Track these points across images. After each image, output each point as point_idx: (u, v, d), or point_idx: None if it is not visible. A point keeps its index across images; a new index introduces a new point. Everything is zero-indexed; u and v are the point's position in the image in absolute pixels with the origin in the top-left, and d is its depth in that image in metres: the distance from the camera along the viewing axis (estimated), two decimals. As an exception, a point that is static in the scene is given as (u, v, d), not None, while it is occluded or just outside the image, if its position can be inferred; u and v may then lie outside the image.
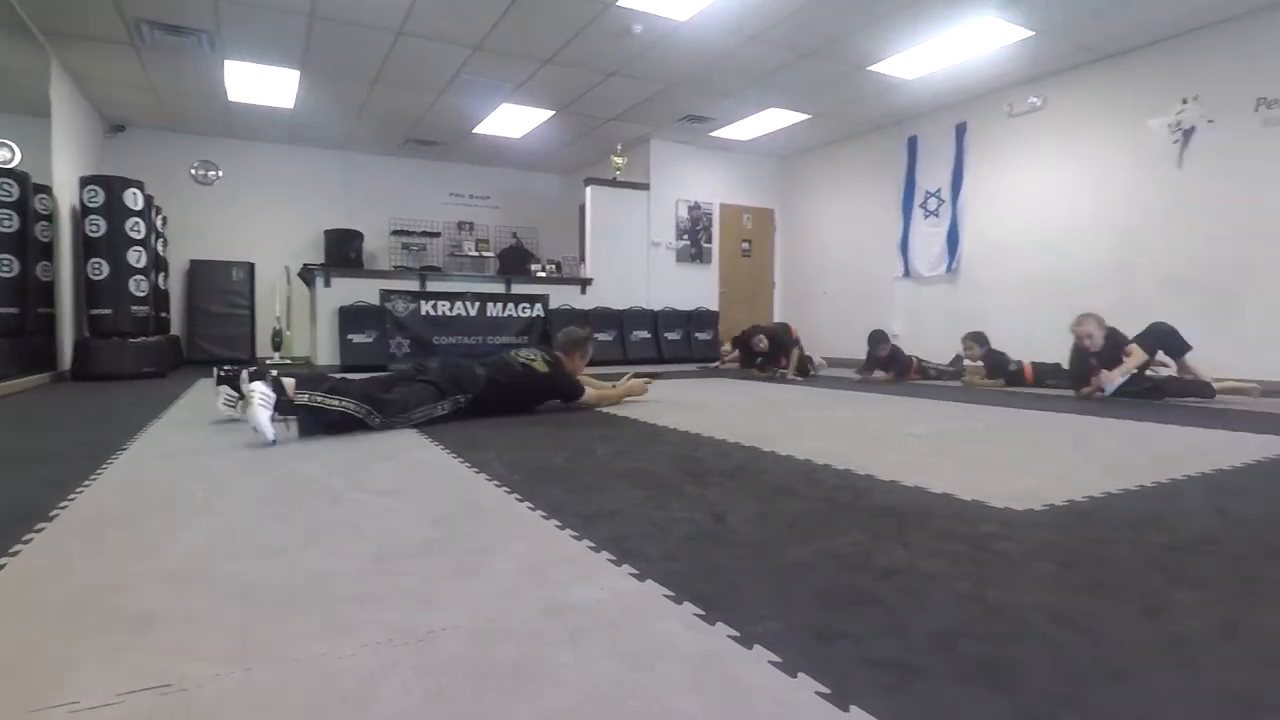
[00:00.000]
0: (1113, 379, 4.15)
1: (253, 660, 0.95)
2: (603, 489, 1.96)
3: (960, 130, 7.15)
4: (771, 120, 7.79)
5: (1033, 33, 5.47)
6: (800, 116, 7.64)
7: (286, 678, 0.91)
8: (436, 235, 9.53)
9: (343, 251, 8.56)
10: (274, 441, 2.64)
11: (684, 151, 8.86)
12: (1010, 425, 3.29)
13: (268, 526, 1.59)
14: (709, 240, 9.14)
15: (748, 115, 7.65)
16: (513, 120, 7.80)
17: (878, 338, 6.05)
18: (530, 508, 1.75)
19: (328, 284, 7.19)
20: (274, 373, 2.85)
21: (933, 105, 7.23)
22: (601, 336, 8.18)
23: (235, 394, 3.02)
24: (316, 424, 2.86)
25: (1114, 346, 4.28)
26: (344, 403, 2.91)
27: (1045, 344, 5.84)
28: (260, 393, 2.65)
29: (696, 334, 8.79)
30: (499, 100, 7.17)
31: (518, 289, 7.97)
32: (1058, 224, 6.38)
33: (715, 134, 8.35)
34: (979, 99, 6.94)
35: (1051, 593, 1.21)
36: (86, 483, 2.01)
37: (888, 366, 5.92)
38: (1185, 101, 5.50)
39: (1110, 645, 1.01)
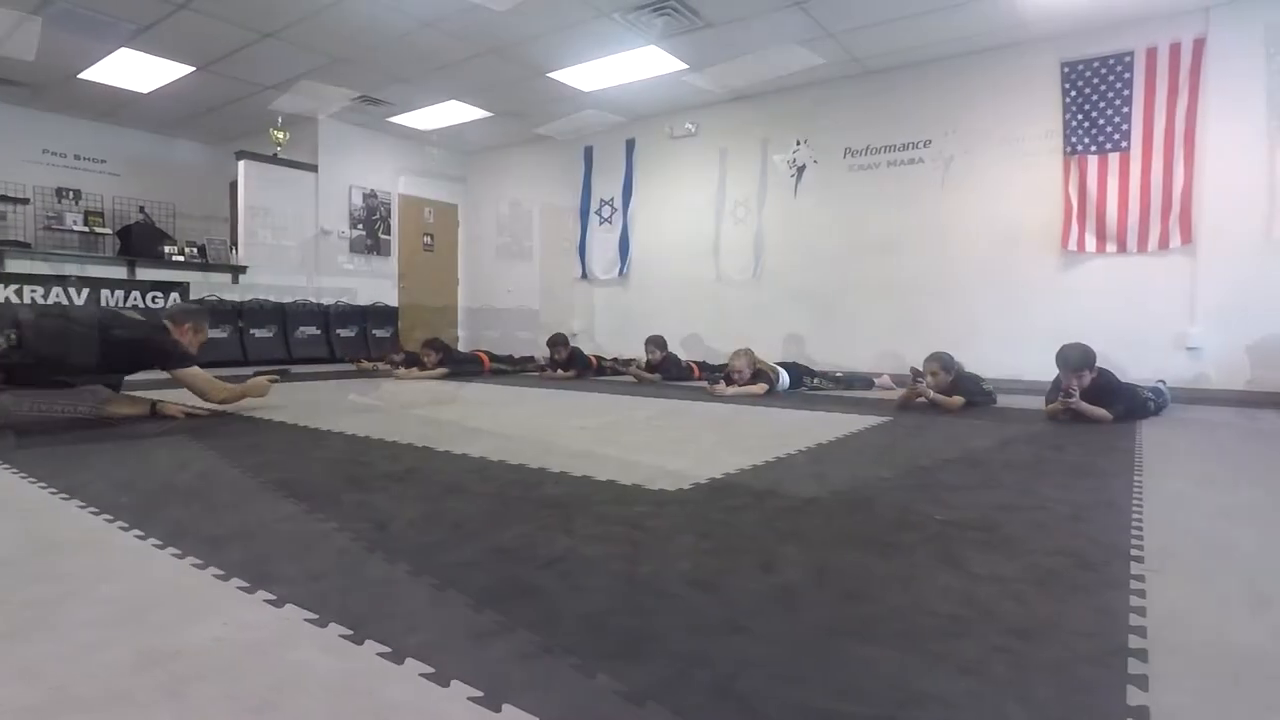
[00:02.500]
0: (723, 391, 4.81)
1: None
2: (241, 506, 1.69)
3: (630, 145, 7.77)
4: (453, 113, 7.62)
5: (687, 66, 6.16)
6: (482, 113, 7.59)
7: None
8: (24, 202, 7.47)
9: None
10: None
11: (358, 134, 8.22)
12: (667, 415, 3.65)
13: None
14: (387, 231, 8.62)
15: (428, 104, 7.37)
16: (138, 70, 6.45)
17: (556, 340, 6.26)
18: (139, 536, 1.43)
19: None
20: None
21: (607, 119, 7.74)
22: (259, 333, 7.23)
23: None
24: None
25: (755, 376, 4.94)
26: None
27: (699, 339, 6.66)
28: None
29: (375, 331, 8.23)
30: (116, 42, 5.87)
31: (146, 274, 6.65)
32: (707, 237, 7.29)
33: (394, 120, 7.89)
34: (646, 119, 7.61)
35: (691, 561, 1.34)
36: None
37: (568, 366, 6.18)
38: (799, 143, 6.69)
39: (735, 601, 1.15)
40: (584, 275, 8.19)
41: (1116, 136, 5.13)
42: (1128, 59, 5.08)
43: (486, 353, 6.46)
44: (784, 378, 5.04)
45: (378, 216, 8.50)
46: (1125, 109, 5.10)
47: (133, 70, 6.47)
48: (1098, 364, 3.53)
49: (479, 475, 2.07)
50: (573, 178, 8.27)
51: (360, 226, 8.32)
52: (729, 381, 4.87)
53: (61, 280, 6.08)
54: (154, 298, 6.58)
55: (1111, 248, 5.18)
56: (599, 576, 1.25)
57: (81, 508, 1.65)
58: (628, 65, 6.16)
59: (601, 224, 8.04)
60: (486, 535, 1.48)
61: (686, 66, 6.16)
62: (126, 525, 1.51)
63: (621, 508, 1.71)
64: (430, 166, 9.01)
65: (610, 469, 2.16)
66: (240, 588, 1.17)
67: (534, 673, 0.90)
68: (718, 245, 7.22)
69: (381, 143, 8.47)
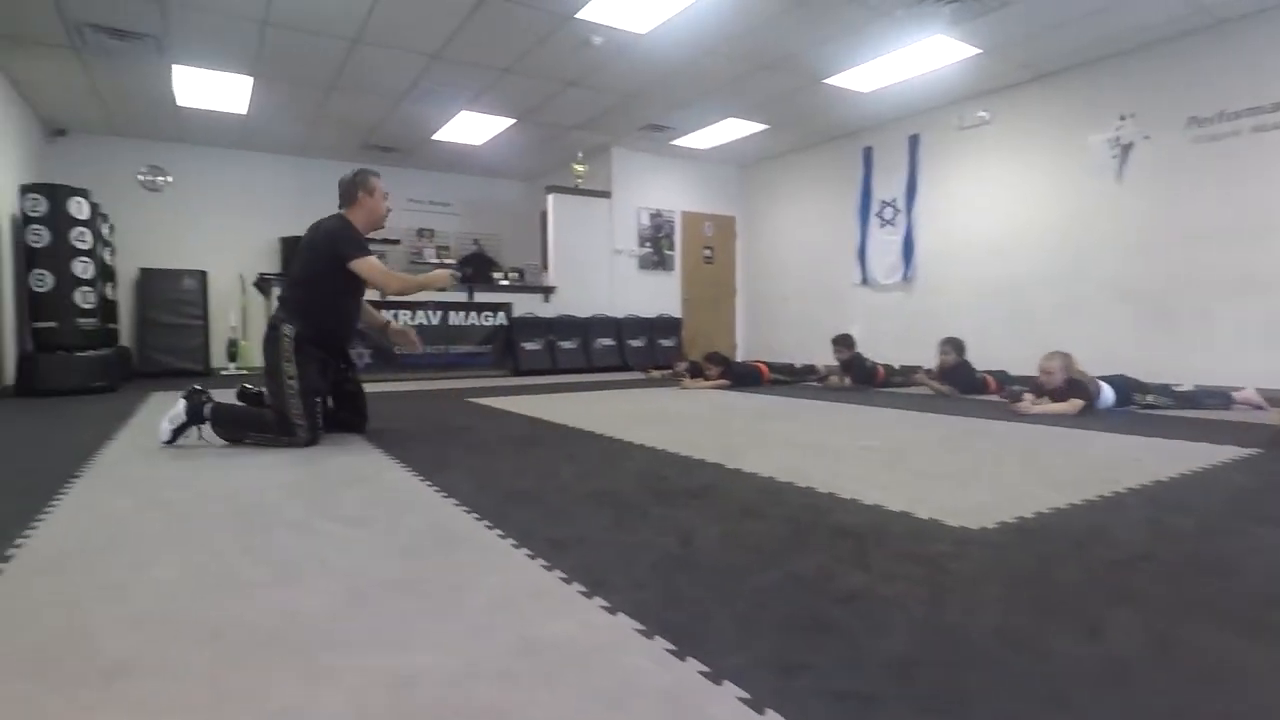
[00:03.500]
0: (1029, 409, 4.28)
1: (227, 713, 0.96)
2: (571, 513, 1.98)
3: (913, 142, 7.35)
4: (730, 130, 7.90)
5: (980, 50, 5.66)
6: (758, 126, 7.76)
7: (266, 731, 0.92)
8: (396, 243, 9.41)
9: (299, 260, 8.40)
10: (167, 444, 2.99)
11: (645, 160, 8.92)
12: (963, 437, 3.41)
13: (236, 562, 1.58)
14: (671, 247, 9.22)
15: (707, 125, 7.75)
16: (473, 127, 7.76)
17: (841, 340, 6.13)
18: (500, 535, 1.77)
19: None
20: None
21: (887, 117, 7.42)
22: (565, 344, 8.20)
23: (184, 418, 3.00)
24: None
25: (1070, 388, 4.30)
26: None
27: (994, 347, 6.06)
28: (176, 410, 3.02)
29: (660, 340, 8.85)
30: (458, 107, 7.13)
31: (481, 298, 7.93)
32: (1005, 232, 6.61)
33: (675, 142, 8.43)
34: (930, 112, 7.14)
35: (1001, 615, 1.28)
36: (40, 517, 1.96)
37: (847, 369, 6.03)
38: (1123, 118, 5.76)
39: (1055, 668, 1.08)
40: (864, 280, 7.94)
41: None
42: None
43: (765, 363, 6.58)
44: (1106, 393, 4.38)
45: (662, 234, 9.13)
46: None
47: (470, 128, 7.77)
48: None
49: (771, 497, 2.16)
50: (850, 180, 8.06)
51: (647, 244, 9.01)
52: (1038, 394, 4.37)
53: (423, 305, 7.50)
54: (486, 316, 7.82)
55: None
56: (900, 619, 1.25)
57: (457, 505, 2.07)
58: (911, 59, 5.85)
59: (882, 226, 7.72)
60: (784, 561, 1.56)
61: (980, 51, 5.67)
62: (490, 524, 1.87)
63: (918, 544, 1.68)
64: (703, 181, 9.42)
65: (902, 498, 2.11)
66: (581, 592, 1.39)
67: (843, 713, 0.95)
68: (1016, 241, 6.51)
69: (665, 165, 9.09)
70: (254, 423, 3.03)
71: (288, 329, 3.11)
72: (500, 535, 1.77)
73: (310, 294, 3.19)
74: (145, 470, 2.61)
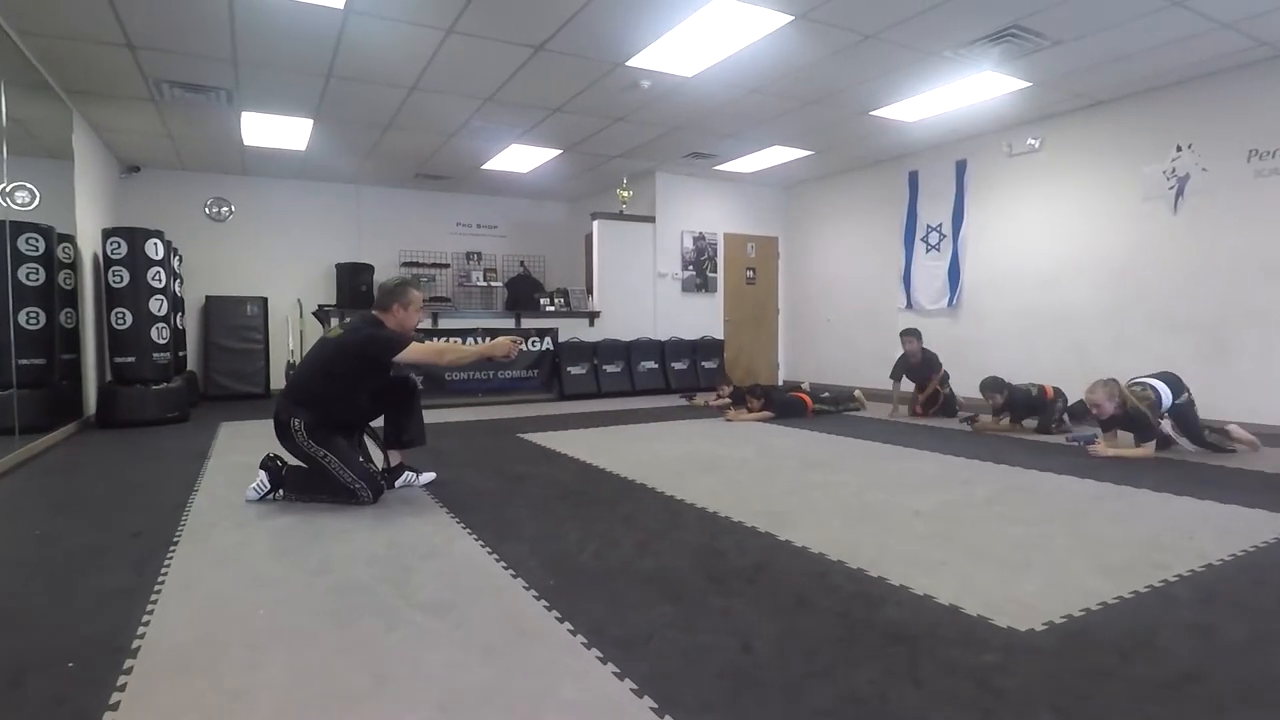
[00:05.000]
0: (1101, 451, 4.29)
1: None
2: (633, 599, 2.10)
3: (960, 167, 7.31)
4: (775, 156, 7.96)
5: (1030, 84, 5.62)
6: (802, 153, 7.80)
7: None
8: (445, 266, 9.70)
9: (354, 285, 8.72)
10: (252, 500, 3.27)
11: (689, 184, 9.02)
12: (1011, 495, 3.44)
13: (338, 665, 1.73)
14: (714, 269, 9.30)
15: (751, 152, 7.82)
16: (521, 157, 7.96)
17: (908, 332, 6.51)
18: (571, 631, 1.90)
19: (344, 322, 7.34)
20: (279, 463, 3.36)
21: (933, 143, 7.39)
22: (609, 368, 8.35)
23: (267, 486, 3.24)
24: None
25: (1124, 419, 4.30)
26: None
27: (1043, 377, 6.00)
28: (259, 480, 3.29)
29: (703, 363, 8.95)
30: (509, 141, 7.33)
31: (527, 323, 8.14)
32: (1054, 260, 6.54)
33: (719, 167, 8.51)
34: (978, 138, 7.10)
35: (1049, 750, 1.36)
36: (152, 597, 2.16)
37: (916, 374, 6.38)
38: (1180, 149, 5.66)
39: (1100, 822, 1.16)
40: (909, 305, 7.92)
41: None
42: None
43: (808, 393, 6.63)
44: (1165, 396, 4.31)
45: (705, 256, 9.22)
46: None
47: (518, 158, 7.97)
48: None
49: (821, 583, 2.25)
50: (896, 203, 8.04)
51: (690, 267, 9.11)
52: (1106, 428, 4.39)
53: (471, 332, 7.73)
54: (533, 342, 8.01)
55: None
56: (952, 753, 1.35)
57: (526, 588, 2.21)
58: (958, 93, 5.84)
59: (928, 251, 7.69)
60: (840, 675, 1.65)
61: (1029, 84, 5.63)
62: (560, 616, 2.00)
63: (968, 652, 1.76)
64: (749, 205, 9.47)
65: (951, 585, 2.19)
66: (651, 708, 1.51)
67: None
68: (1066, 270, 6.44)
69: (708, 188, 9.18)
70: (322, 487, 3.22)
71: (296, 422, 3.18)
72: (571, 631, 1.90)
73: (328, 389, 3.26)
74: (237, 537, 2.81)
